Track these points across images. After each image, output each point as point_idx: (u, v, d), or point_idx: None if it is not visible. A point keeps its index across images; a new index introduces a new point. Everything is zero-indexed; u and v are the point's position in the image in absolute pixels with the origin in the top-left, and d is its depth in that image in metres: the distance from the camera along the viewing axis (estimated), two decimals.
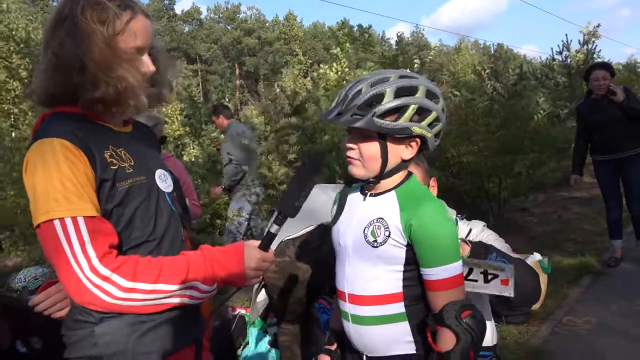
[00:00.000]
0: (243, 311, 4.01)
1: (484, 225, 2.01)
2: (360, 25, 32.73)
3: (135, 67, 1.31)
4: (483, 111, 7.51)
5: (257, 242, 1.38)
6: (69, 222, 1.18)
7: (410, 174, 1.48)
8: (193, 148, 9.95)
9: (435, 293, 1.36)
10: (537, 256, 4.11)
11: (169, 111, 12.90)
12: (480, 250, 1.70)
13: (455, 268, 1.37)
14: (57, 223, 1.17)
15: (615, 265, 5.09)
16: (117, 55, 1.27)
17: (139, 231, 1.32)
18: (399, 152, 1.39)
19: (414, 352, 1.42)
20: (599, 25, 12.94)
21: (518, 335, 3.77)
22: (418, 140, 1.39)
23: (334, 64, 11.66)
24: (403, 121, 1.34)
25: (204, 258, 1.31)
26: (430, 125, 1.38)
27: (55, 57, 1.27)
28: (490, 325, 1.94)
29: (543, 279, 3.83)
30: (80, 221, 1.19)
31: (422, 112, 1.36)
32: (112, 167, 1.28)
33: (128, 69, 1.28)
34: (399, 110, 1.34)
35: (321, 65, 12.24)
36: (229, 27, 53.05)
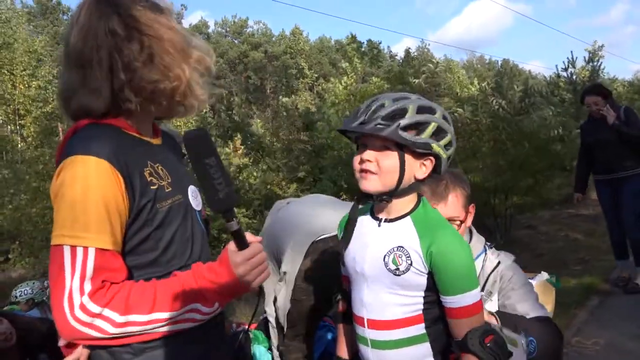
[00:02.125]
0: (246, 327, 3.98)
1: (514, 260, 1.91)
2: (370, 41, 32.91)
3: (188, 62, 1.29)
4: (488, 127, 7.51)
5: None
6: (79, 252, 1.12)
7: (420, 197, 1.48)
8: None
9: (457, 320, 1.37)
10: (544, 275, 4.05)
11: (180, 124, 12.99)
12: (509, 326, 1.64)
13: (475, 295, 1.37)
14: (67, 250, 1.12)
15: (624, 286, 5.03)
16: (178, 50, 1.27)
17: (178, 257, 1.28)
18: (414, 169, 1.40)
19: None
20: (602, 46, 13.02)
21: None
22: (432, 159, 1.40)
23: (345, 78, 11.73)
24: (424, 136, 1.36)
25: (195, 279, 1.21)
26: (446, 147, 1.40)
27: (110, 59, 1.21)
28: None
29: (552, 297, 3.79)
30: (91, 253, 1.13)
31: (439, 133, 1.38)
32: (152, 188, 1.22)
33: (182, 65, 1.27)
34: (420, 126, 1.36)
35: (332, 79, 12.32)
36: (235, 41, 53.49)
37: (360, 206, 1.51)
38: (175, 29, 1.28)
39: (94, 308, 1.11)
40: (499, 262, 1.87)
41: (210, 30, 55.98)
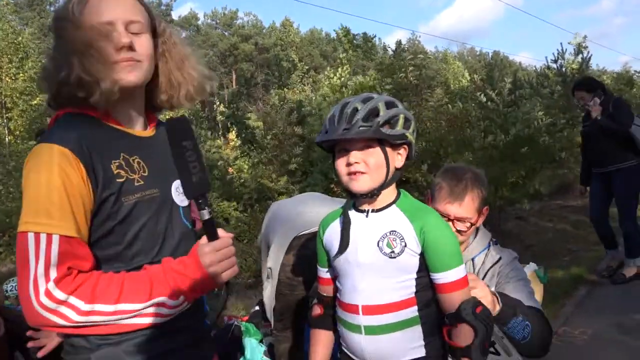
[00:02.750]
0: (239, 320, 4.00)
1: (515, 258, 1.94)
2: (365, 34, 32.84)
3: (99, 45, 1.18)
4: (478, 119, 7.55)
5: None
6: (43, 238, 1.11)
7: (400, 190, 1.57)
8: None
9: (450, 295, 1.46)
10: (532, 266, 4.08)
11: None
12: (509, 311, 1.67)
13: (462, 270, 1.48)
14: (31, 236, 1.12)
15: (611, 276, 5.09)
16: (81, 37, 1.18)
17: (143, 254, 1.25)
18: (394, 160, 1.49)
19: (424, 355, 1.50)
20: (585, 37, 13.05)
21: None
22: (406, 147, 1.51)
23: (339, 69, 11.75)
24: (399, 128, 1.46)
25: (164, 272, 1.21)
26: (413, 133, 1.51)
27: (49, 56, 1.25)
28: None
29: (539, 289, 3.83)
30: (55, 240, 1.12)
31: (406, 122, 1.49)
32: (118, 180, 1.21)
33: (88, 51, 1.17)
34: (391, 120, 1.46)
35: (328, 69, 12.31)
36: (226, 33, 53.15)
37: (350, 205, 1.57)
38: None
39: (59, 295, 1.11)
40: (499, 258, 1.90)
41: (200, 22, 55.56)
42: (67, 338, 1.26)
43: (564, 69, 12.91)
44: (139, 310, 1.17)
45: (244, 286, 5.39)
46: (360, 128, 1.41)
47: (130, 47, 1.21)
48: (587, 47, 12.67)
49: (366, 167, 1.45)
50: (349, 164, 1.46)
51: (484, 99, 7.40)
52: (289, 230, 2.60)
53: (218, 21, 55.20)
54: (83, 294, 1.13)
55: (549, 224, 7.76)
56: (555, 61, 13.00)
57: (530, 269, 4.07)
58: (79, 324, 1.13)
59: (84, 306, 1.12)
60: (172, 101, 1.40)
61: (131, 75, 1.22)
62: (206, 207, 1.20)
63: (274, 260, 2.64)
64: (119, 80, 1.20)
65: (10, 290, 4.67)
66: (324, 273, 1.68)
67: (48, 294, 1.10)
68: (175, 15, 55.35)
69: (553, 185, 10.00)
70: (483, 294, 1.58)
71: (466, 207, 1.81)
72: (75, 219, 1.14)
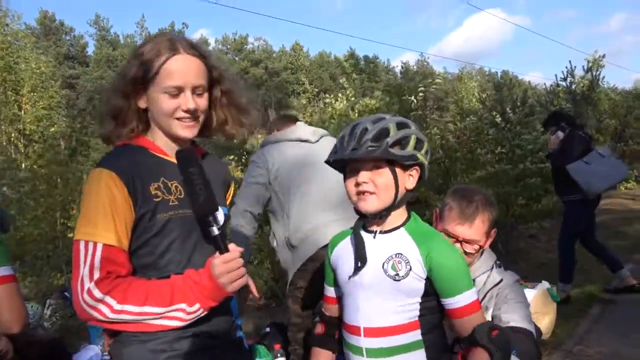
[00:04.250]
0: (249, 342, 3.99)
1: (516, 281, 1.93)
2: (366, 57, 33.21)
3: (168, 105, 1.44)
4: (488, 140, 7.55)
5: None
6: (90, 245, 1.34)
7: (411, 212, 1.56)
8: None
9: (464, 319, 1.45)
10: (545, 284, 4.06)
11: None
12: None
13: (473, 293, 1.47)
14: (81, 243, 1.35)
15: (615, 292, 5.12)
16: (151, 95, 1.45)
17: (174, 264, 1.43)
18: (404, 181, 1.48)
19: None
20: (604, 56, 13.03)
21: None
22: (417, 169, 1.50)
23: (339, 94, 11.85)
24: (410, 149, 1.45)
25: (183, 280, 1.38)
26: (425, 154, 1.50)
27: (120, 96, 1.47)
28: None
29: (552, 308, 3.78)
30: (99, 247, 1.34)
31: (418, 143, 1.48)
32: (154, 200, 1.41)
33: (157, 106, 1.45)
34: (402, 141, 1.45)
35: (327, 95, 12.39)
36: (236, 58, 53.94)
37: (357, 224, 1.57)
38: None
39: (98, 294, 1.32)
40: (501, 280, 1.89)
41: (210, 48, 56.45)
42: (113, 335, 1.47)
43: (573, 87, 12.90)
44: (162, 313, 1.35)
45: (255, 308, 5.37)
46: (369, 148, 1.41)
47: (194, 110, 1.46)
48: (604, 65, 12.66)
49: (374, 187, 1.45)
50: (357, 184, 1.46)
51: (499, 119, 7.42)
52: (310, 245, 2.71)
53: (229, 46, 56.10)
54: (117, 294, 1.33)
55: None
56: (565, 79, 13.00)
57: (542, 287, 4.05)
58: (112, 320, 1.33)
59: (116, 305, 1.32)
60: (225, 135, 1.63)
61: (188, 131, 1.48)
62: (214, 225, 1.39)
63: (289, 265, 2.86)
64: (178, 135, 1.48)
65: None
66: (330, 292, 1.68)
67: (89, 292, 1.32)
68: None
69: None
70: None
71: (476, 229, 1.80)
72: (117, 231, 1.36)
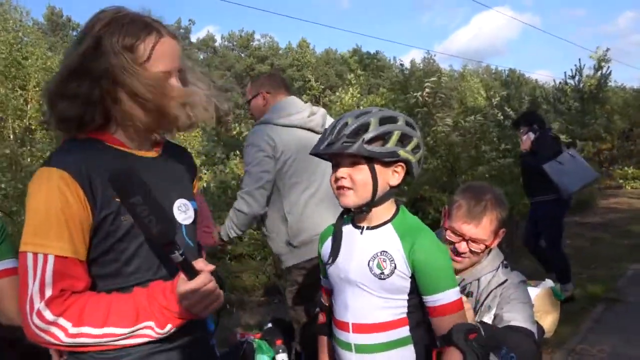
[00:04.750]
0: (251, 337, 4.00)
1: (521, 281, 1.89)
2: (368, 53, 33.17)
3: (162, 91, 1.26)
4: (491, 140, 7.54)
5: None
6: (40, 258, 1.17)
7: (400, 206, 1.54)
8: (205, 173, 10.05)
9: (442, 318, 1.43)
10: (549, 282, 4.04)
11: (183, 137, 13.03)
12: (491, 344, 1.60)
13: (454, 293, 1.44)
14: (29, 256, 1.17)
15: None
16: (143, 81, 1.24)
17: (143, 271, 1.28)
18: (387, 177, 1.45)
19: None
20: (608, 50, 12.90)
21: None
22: (403, 165, 1.46)
23: (350, 89, 11.86)
24: (390, 145, 1.41)
25: (149, 301, 1.22)
26: (413, 150, 1.46)
27: (75, 77, 1.24)
28: None
29: (556, 306, 3.77)
30: (50, 260, 1.17)
31: (405, 139, 1.44)
32: (116, 200, 1.22)
33: (155, 94, 1.25)
34: (384, 137, 1.41)
35: (340, 89, 12.40)
36: (242, 55, 53.93)
37: (343, 219, 1.56)
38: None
39: (49, 316, 1.16)
40: (505, 280, 1.86)
41: (217, 44, 56.50)
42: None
43: (581, 85, 12.82)
44: (126, 334, 1.20)
45: (257, 304, 5.38)
46: (344, 144, 1.38)
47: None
48: (609, 60, 12.51)
49: (352, 183, 1.43)
50: (336, 179, 1.46)
51: (501, 117, 7.39)
52: (314, 251, 2.64)
53: (235, 43, 56.10)
54: (71, 316, 1.17)
55: (566, 240, 7.61)
56: (573, 77, 12.92)
57: (546, 285, 4.03)
58: (69, 344, 1.17)
59: (71, 328, 1.16)
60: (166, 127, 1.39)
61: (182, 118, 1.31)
62: (176, 251, 1.18)
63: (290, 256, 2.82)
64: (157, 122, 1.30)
65: None
66: (325, 283, 1.69)
67: (39, 314, 1.15)
68: (193, 37, 56.40)
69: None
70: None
71: (482, 228, 1.78)
72: (72, 240, 1.19)
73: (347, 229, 1.55)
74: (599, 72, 12.73)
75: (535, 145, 5.06)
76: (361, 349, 1.48)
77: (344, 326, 1.52)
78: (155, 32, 1.28)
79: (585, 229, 8.31)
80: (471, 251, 1.79)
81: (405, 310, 1.46)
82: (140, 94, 1.23)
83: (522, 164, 5.27)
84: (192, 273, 1.21)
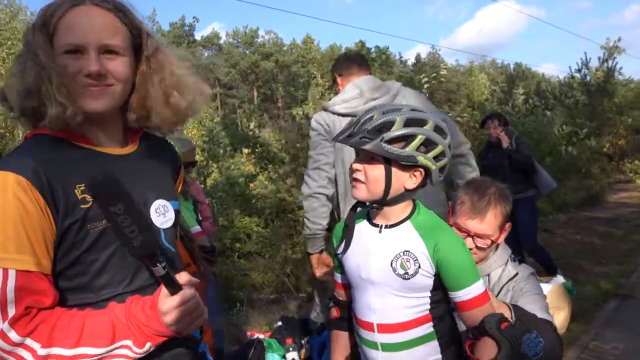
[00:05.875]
0: (262, 336, 3.99)
1: (531, 273, 1.89)
2: (377, 47, 33.08)
3: (57, 67, 1.10)
4: None
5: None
6: None
7: (416, 202, 1.53)
8: (212, 171, 10.03)
9: (472, 311, 1.44)
10: (560, 279, 4.03)
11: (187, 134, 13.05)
12: (522, 327, 1.61)
13: (481, 285, 1.46)
14: None
15: None
16: (49, 56, 1.10)
17: (115, 284, 1.15)
18: (403, 180, 1.43)
19: None
20: (619, 40, 12.78)
21: None
22: (422, 171, 1.43)
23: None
24: (409, 149, 1.38)
25: (127, 319, 1.11)
26: (436, 158, 1.42)
27: (20, 68, 1.14)
28: None
29: (567, 303, 3.74)
30: (11, 275, 1.04)
31: (428, 144, 1.40)
32: (82, 207, 1.11)
33: (54, 71, 1.09)
34: (406, 139, 1.38)
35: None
36: (247, 52, 53.93)
37: (357, 211, 1.55)
38: None
39: (14, 337, 1.03)
40: (516, 274, 1.85)
41: (222, 42, 56.54)
42: None
43: (588, 78, 12.73)
44: (101, 354, 1.08)
45: (266, 302, 5.38)
46: (362, 139, 1.37)
47: (99, 74, 1.13)
48: (623, 49, 12.40)
49: (365, 177, 1.43)
50: (352, 170, 1.46)
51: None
52: None
53: (239, 40, 56.08)
54: (40, 336, 1.05)
55: (577, 237, 7.57)
56: (579, 70, 12.83)
57: (557, 282, 4.00)
58: None
59: (40, 350, 1.05)
60: (146, 123, 1.28)
61: (97, 102, 1.14)
62: (158, 264, 1.09)
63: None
64: (83, 106, 1.13)
65: None
66: (339, 278, 1.69)
67: (3, 335, 1.03)
68: (197, 35, 56.45)
69: (579, 197, 9.78)
70: (497, 305, 1.55)
71: (487, 223, 1.76)
72: (34, 252, 1.06)
73: (364, 226, 1.54)
74: (606, 65, 12.64)
75: (517, 142, 5.18)
76: (387, 347, 1.50)
77: (368, 326, 1.53)
78: (71, 1, 1.13)
79: (596, 224, 8.23)
80: (477, 247, 1.78)
81: (428, 307, 1.48)
82: (48, 75, 1.09)
83: (510, 160, 5.16)
84: (174, 287, 1.11)
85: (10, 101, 1.16)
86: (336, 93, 2.91)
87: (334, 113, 2.73)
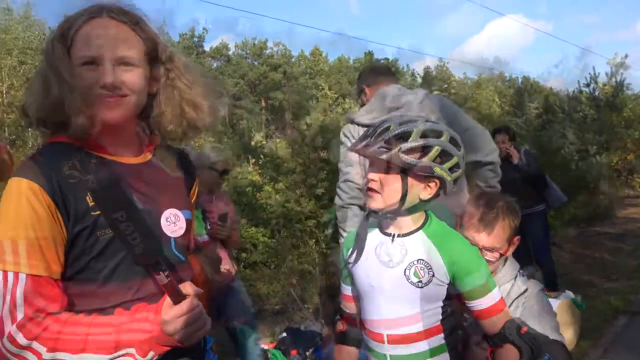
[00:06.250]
0: (266, 347, 3.97)
1: (541, 289, 1.89)
2: (386, 59, 33.24)
3: (76, 79, 1.13)
4: None
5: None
6: (10, 277, 1.07)
7: (429, 214, 1.53)
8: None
9: (489, 320, 1.46)
10: (569, 294, 3.98)
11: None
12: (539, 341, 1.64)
13: (497, 293, 1.47)
14: None
15: None
16: (67, 67, 1.14)
17: (123, 291, 1.17)
18: (418, 190, 1.43)
19: None
20: (626, 56, 12.77)
21: None
22: (437, 182, 1.43)
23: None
24: (427, 160, 1.38)
25: (130, 325, 1.13)
26: (451, 169, 1.43)
27: (40, 79, 1.18)
28: None
29: (576, 318, 3.69)
30: (22, 279, 1.08)
31: (444, 156, 1.41)
32: (92, 214, 1.13)
33: (69, 83, 1.12)
34: (423, 150, 1.39)
35: (346, 100, 12.36)
36: (255, 63, 54.24)
37: (368, 221, 1.55)
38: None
39: (21, 340, 1.06)
40: (525, 289, 1.85)
41: (230, 53, 56.92)
42: None
43: (596, 93, 12.68)
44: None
45: (272, 312, 5.35)
46: (379, 148, 1.37)
47: (114, 86, 1.16)
48: (628, 66, 12.39)
49: (381, 187, 1.42)
50: (368, 180, 1.45)
51: (512, 124, 7.34)
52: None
53: (248, 51, 56.45)
54: (46, 340, 1.08)
55: (586, 252, 7.50)
56: (588, 85, 12.79)
57: (566, 297, 3.95)
58: None
59: (45, 354, 1.07)
60: (162, 134, 1.33)
61: (112, 113, 1.18)
62: (161, 272, 1.12)
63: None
64: (99, 117, 1.16)
65: None
66: (347, 290, 1.67)
67: (10, 338, 1.06)
68: (207, 46, 56.92)
69: (589, 212, 9.71)
70: None
71: (496, 237, 1.76)
72: (44, 257, 1.10)
73: (375, 236, 1.54)
74: (614, 79, 12.61)
75: (527, 157, 5.19)
76: (397, 359, 1.48)
77: (378, 337, 1.51)
78: (88, 14, 1.17)
79: (605, 239, 8.16)
80: (486, 260, 1.77)
81: (440, 317, 1.47)
82: (70, 87, 1.12)
83: (522, 175, 5.14)
84: (177, 297, 1.12)
85: (32, 117, 1.20)
86: (363, 104, 2.94)
87: (359, 124, 2.76)
